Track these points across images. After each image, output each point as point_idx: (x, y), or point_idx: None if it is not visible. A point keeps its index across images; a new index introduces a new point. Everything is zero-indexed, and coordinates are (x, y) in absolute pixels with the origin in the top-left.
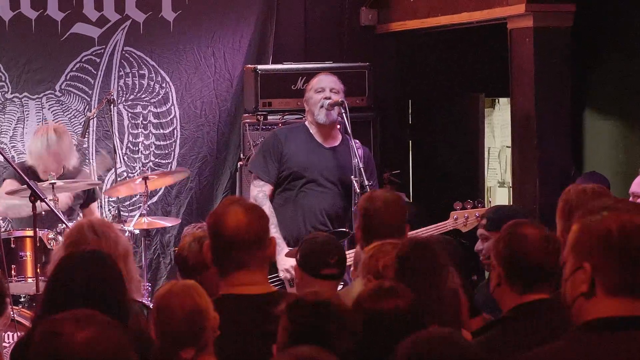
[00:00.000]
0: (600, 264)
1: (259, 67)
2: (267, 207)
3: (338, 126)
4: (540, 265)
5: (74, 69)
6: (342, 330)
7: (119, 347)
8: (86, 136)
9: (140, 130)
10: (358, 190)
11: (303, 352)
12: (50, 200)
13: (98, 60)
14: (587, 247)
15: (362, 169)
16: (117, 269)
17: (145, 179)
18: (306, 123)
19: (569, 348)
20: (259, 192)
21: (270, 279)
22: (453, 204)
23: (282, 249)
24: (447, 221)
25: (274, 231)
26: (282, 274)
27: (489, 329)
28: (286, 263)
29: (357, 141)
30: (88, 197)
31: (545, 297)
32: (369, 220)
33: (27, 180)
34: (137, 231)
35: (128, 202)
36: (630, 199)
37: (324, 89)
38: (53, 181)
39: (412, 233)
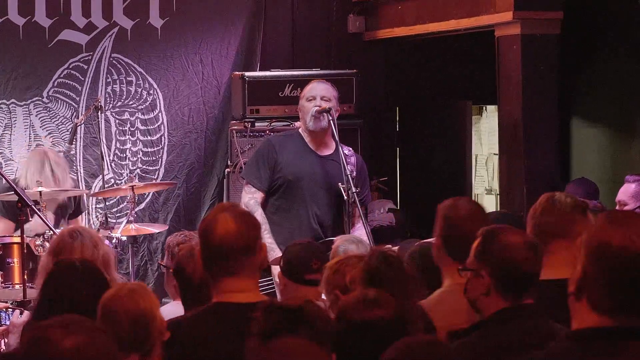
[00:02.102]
0: (589, 273)
1: (247, 74)
2: (259, 214)
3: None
4: (529, 273)
5: (62, 75)
6: (314, 337)
7: (106, 353)
8: (73, 143)
9: (127, 137)
10: (346, 198)
11: None
12: (38, 207)
13: (85, 66)
14: (585, 251)
15: (350, 176)
16: (105, 279)
17: (132, 187)
18: (300, 130)
19: (557, 357)
20: (251, 198)
21: (262, 283)
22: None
23: (275, 254)
24: None
25: (267, 237)
26: (275, 280)
27: (471, 331)
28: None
29: (350, 149)
30: (76, 208)
31: (529, 303)
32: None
33: (15, 187)
34: (124, 238)
35: (115, 209)
36: (617, 207)
37: (315, 97)
38: (40, 189)
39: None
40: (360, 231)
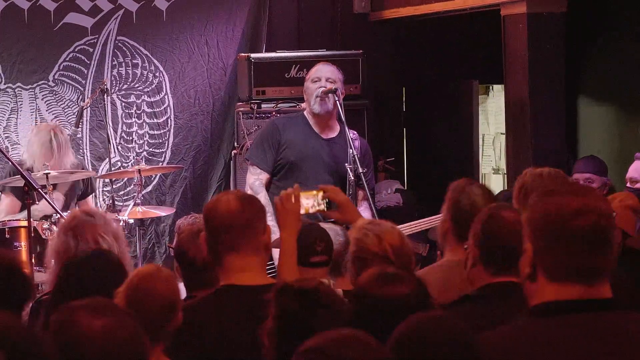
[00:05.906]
0: (539, 248)
1: (253, 55)
2: (263, 196)
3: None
4: (514, 249)
5: (67, 58)
6: (330, 317)
7: (134, 336)
8: (80, 126)
9: (134, 119)
10: (352, 178)
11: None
12: (44, 190)
13: (91, 50)
14: (530, 229)
15: (357, 157)
16: (124, 267)
17: (139, 170)
18: (305, 113)
19: (514, 333)
20: (256, 179)
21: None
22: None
23: (276, 236)
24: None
25: (269, 219)
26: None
27: (457, 304)
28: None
29: (355, 132)
30: (86, 189)
31: (514, 280)
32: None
33: (21, 171)
34: (131, 221)
35: (122, 192)
36: (628, 184)
37: (320, 79)
38: (47, 171)
39: (404, 226)
40: (365, 212)
